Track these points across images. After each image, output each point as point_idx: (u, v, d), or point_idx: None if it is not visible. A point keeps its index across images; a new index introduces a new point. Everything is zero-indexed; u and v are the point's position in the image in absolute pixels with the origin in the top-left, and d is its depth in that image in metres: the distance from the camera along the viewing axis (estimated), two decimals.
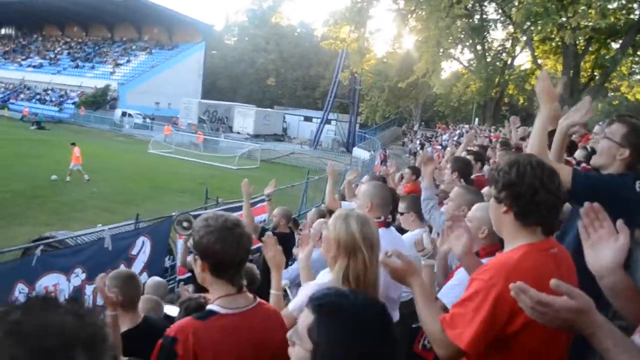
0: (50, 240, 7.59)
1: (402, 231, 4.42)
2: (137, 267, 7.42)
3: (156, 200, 19.79)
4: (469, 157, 6.60)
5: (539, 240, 1.98)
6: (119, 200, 19.06)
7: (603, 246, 1.64)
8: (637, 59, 33.17)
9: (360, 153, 39.31)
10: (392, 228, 3.65)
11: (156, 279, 5.18)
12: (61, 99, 54.71)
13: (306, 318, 1.35)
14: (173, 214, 8.38)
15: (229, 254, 2.09)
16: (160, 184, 23.22)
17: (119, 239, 7.12)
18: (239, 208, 9.99)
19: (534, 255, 1.91)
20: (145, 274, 7.51)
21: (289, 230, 6.27)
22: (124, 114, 49.34)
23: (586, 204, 1.70)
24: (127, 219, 11.29)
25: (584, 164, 3.52)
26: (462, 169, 5.24)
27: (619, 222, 1.59)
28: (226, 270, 2.12)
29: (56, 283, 6.25)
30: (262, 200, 11.05)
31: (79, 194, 19.11)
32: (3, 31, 78.02)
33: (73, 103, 53.24)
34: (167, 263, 8.63)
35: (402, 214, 4.56)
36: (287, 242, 5.20)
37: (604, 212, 1.64)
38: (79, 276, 6.51)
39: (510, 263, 1.90)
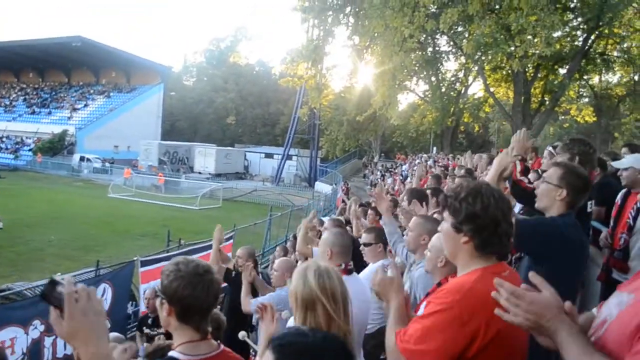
0: (7, 292, 7.38)
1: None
2: None
3: (117, 245, 19.41)
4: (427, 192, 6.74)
5: (492, 264, 2.00)
6: (79, 246, 18.65)
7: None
8: (583, 82, 34.57)
9: (322, 187, 39.51)
10: (355, 274, 3.70)
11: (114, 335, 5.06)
12: (17, 146, 53.51)
13: (267, 359, 1.32)
14: (134, 258, 8.28)
15: (198, 300, 2.06)
16: (121, 229, 22.83)
17: None
18: (203, 249, 10.00)
19: (487, 277, 1.84)
20: (107, 322, 7.35)
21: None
22: (82, 158, 48.50)
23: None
24: (86, 266, 11.05)
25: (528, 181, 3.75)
26: (419, 197, 5.32)
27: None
28: (193, 316, 2.09)
29: (14, 337, 6.06)
30: (225, 240, 11.07)
31: (36, 242, 18.60)
32: None
33: (29, 150, 52.13)
34: (130, 309, 8.47)
35: (367, 244, 4.58)
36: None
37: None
38: (37, 328, 6.33)
39: (466, 287, 1.91)
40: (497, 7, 21.47)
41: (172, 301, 2.06)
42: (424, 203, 5.22)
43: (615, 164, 4.46)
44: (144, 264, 8.30)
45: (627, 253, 4.04)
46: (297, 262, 5.84)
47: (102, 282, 7.41)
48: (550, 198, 2.98)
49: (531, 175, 4.79)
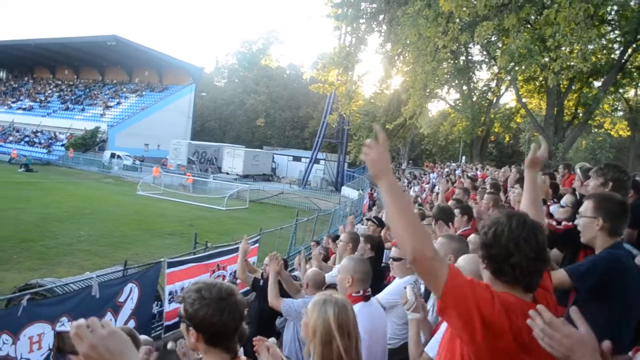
0: (39, 289, 7.52)
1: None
2: (124, 314, 7.34)
3: (145, 243, 19.68)
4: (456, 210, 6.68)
5: (521, 297, 1.96)
6: (108, 243, 18.92)
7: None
8: (618, 95, 33.86)
9: (348, 192, 39.44)
10: (372, 300, 3.71)
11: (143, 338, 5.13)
12: (50, 141, 54.67)
13: None
14: (162, 259, 8.36)
15: (226, 324, 2.07)
16: (149, 226, 23.11)
17: (106, 286, 7.04)
18: (229, 252, 10.07)
19: (515, 306, 1.87)
20: (132, 321, 7.45)
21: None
22: (112, 155, 49.35)
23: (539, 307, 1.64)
24: (114, 263, 11.20)
25: (564, 223, 3.64)
26: (444, 220, 5.28)
27: (573, 310, 1.58)
28: (222, 339, 2.11)
29: (41, 332, 6.16)
30: (253, 243, 11.13)
31: (66, 237, 18.93)
32: None
33: (62, 145, 53.20)
34: (155, 309, 8.55)
35: (395, 259, 4.56)
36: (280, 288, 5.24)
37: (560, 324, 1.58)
38: (64, 325, 6.43)
39: (492, 293, 1.91)
40: (532, 17, 21.25)
41: (199, 328, 2.07)
42: (449, 223, 5.20)
43: None
44: (171, 265, 8.38)
45: None
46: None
47: (129, 282, 7.49)
48: (590, 230, 3.01)
49: (567, 198, 4.71)
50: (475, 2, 11.06)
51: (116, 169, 47.16)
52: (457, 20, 12.46)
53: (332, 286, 4.39)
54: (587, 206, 3.04)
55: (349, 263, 3.77)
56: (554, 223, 3.67)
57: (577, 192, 4.89)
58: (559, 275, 2.92)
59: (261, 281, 5.68)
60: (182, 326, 2.14)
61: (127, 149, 51.66)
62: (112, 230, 21.32)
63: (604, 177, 3.92)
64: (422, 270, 1.89)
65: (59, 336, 1.51)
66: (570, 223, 3.45)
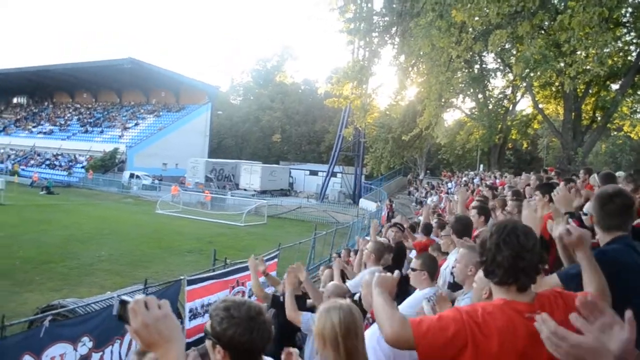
0: (60, 310, 7.56)
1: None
2: None
3: (164, 261, 19.78)
4: (473, 210, 6.63)
5: (516, 299, 2.15)
6: (128, 262, 19.06)
7: (605, 336, 1.50)
8: (637, 97, 33.42)
9: (366, 204, 39.34)
10: None
11: None
12: (70, 164, 55.40)
13: None
14: (181, 277, 8.38)
15: (254, 343, 2.07)
16: (168, 245, 23.25)
17: None
18: (248, 268, 10.04)
19: (507, 312, 2.09)
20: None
21: (300, 293, 6.19)
22: (131, 175, 49.84)
23: (578, 298, 1.58)
24: (135, 281, 11.25)
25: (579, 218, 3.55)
26: (461, 231, 5.24)
27: (628, 314, 1.49)
28: (249, 358, 2.10)
29: (63, 353, 6.18)
30: (270, 259, 11.11)
31: (87, 258, 19.10)
32: (15, 100, 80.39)
33: (82, 167, 53.88)
34: None
35: (414, 270, 4.54)
36: (300, 302, 5.20)
37: (601, 303, 1.56)
38: (85, 345, 6.45)
39: (479, 309, 2.15)
40: (546, 24, 21.13)
41: (227, 347, 2.05)
42: (465, 237, 5.16)
43: None
44: (190, 282, 8.39)
45: None
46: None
47: None
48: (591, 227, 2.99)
49: (588, 206, 4.63)
50: (487, 11, 11.02)
51: (135, 189, 47.61)
52: (470, 30, 12.41)
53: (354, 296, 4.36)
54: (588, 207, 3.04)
55: (370, 278, 3.73)
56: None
57: None
58: (551, 280, 2.82)
59: (281, 297, 5.64)
60: (208, 343, 2.12)
61: (146, 169, 52.19)
62: (132, 249, 21.49)
63: (634, 184, 3.89)
64: (398, 347, 2.24)
65: (123, 304, 1.57)
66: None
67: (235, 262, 10.95)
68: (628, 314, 1.48)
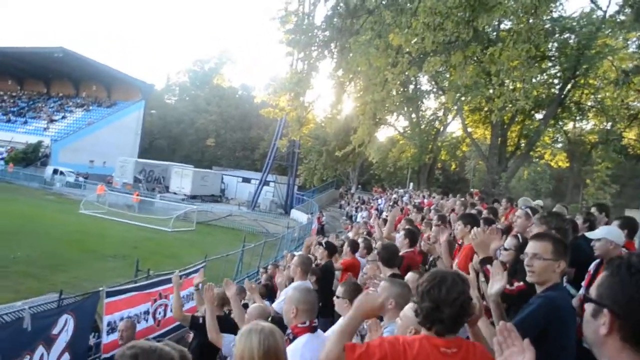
0: None
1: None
2: (57, 347, 6.97)
3: (85, 265, 19.04)
4: (401, 232, 6.79)
5: (434, 335, 2.42)
6: (46, 265, 18.20)
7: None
8: (558, 127, 35.35)
9: (298, 215, 39.40)
10: (319, 332, 3.69)
11: None
12: None
13: None
14: (100, 288, 8.08)
15: None
16: (91, 247, 22.40)
17: (39, 318, 6.70)
18: (171, 280, 9.82)
19: (424, 345, 2.37)
20: (66, 355, 7.12)
21: (223, 313, 6.11)
22: (55, 171, 47.78)
23: (501, 323, 1.90)
24: (50, 291, 10.72)
25: (516, 284, 3.67)
26: (387, 259, 5.33)
27: (526, 342, 1.75)
28: None
29: None
30: (196, 271, 10.90)
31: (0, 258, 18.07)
32: None
33: (1, 159, 51.11)
34: (92, 341, 8.21)
35: (337, 297, 4.56)
36: (224, 324, 5.14)
37: (515, 332, 1.80)
38: None
39: (400, 339, 2.44)
40: (478, 52, 21.98)
41: None
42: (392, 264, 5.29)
43: (589, 234, 4.53)
44: (110, 294, 8.10)
45: None
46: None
47: (64, 313, 7.15)
48: (549, 272, 3.04)
49: (509, 241, 4.82)
50: (424, 37, 11.35)
51: (59, 186, 45.63)
52: (407, 55, 12.73)
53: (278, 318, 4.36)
54: (547, 248, 3.04)
55: (293, 293, 3.75)
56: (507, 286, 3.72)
57: (519, 235, 5.00)
58: None
59: (201, 318, 5.55)
60: None
61: (71, 165, 50.12)
62: (51, 251, 20.55)
63: (547, 226, 4.05)
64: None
65: None
66: (521, 283, 3.50)
67: (159, 273, 10.66)
68: (526, 342, 1.74)
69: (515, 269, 4.02)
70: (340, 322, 2.62)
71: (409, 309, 3.11)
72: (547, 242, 3.10)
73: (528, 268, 3.11)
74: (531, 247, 3.16)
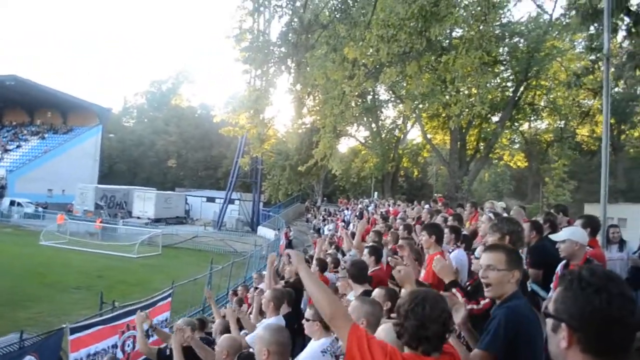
0: None
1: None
2: None
3: (49, 299, 18.45)
4: (365, 250, 6.75)
5: (420, 355, 2.37)
6: (5, 302, 17.50)
7: None
8: (514, 128, 36.19)
9: (265, 231, 39.19)
10: None
11: None
12: None
13: None
14: (63, 325, 7.80)
15: None
16: (53, 280, 21.74)
17: None
18: (139, 310, 9.57)
19: None
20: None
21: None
22: (12, 203, 46.42)
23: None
24: (10, 331, 10.29)
25: (482, 302, 3.68)
26: (356, 275, 5.29)
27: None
28: None
29: None
30: (163, 299, 10.68)
31: None
32: None
33: None
34: None
35: (307, 320, 4.46)
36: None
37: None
38: None
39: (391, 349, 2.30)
40: (433, 59, 22.40)
41: None
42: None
43: (553, 237, 4.59)
44: (74, 330, 7.81)
45: None
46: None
47: (27, 354, 6.88)
48: (504, 283, 3.02)
49: (479, 250, 4.84)
50: (378, 49, 11.46)
51: (16, 217, 44.31)
52: (363, 67, 12.84)
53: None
54: (500, 259, 3.02)
55: (264, 334, 3.66)
56: (471, 307, 3.69)
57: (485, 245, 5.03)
58: (476, 356, 2.88)
59: (167, 350, 5.40)
60: None
61: (29, 195, 48.76)
62: (11, 286, 19.81)
63: (500, 232, 4.07)
64: (335, 326, 2.39)
65: None
66: (487, 300, 3.49)
67: (125, 303, 10.38)
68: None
69: (478, 286, 4.04)
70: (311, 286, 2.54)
71: (382, 330, 3.06)
72: (500, 252, 3.09)
73: (483, 280, 3.10)
74: (484, 258, 3.15)
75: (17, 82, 53.65)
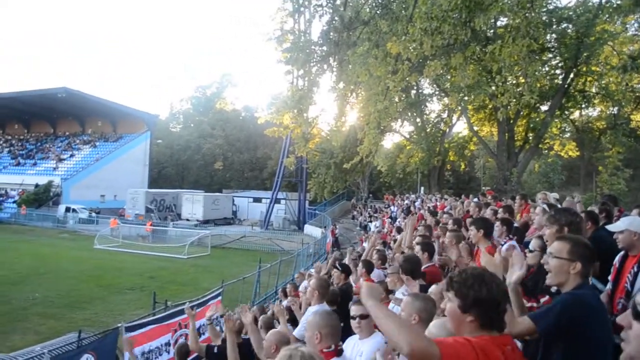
0: None
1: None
2: None
3: (104, 300, 19.00)
4: (417, 247, 6.64)
5: (497, 335, 2.21)
6: (64, 304, 18.16)
7: None
8: (564, 117, 35.08)
9: (311, 230, 39.29)
10: (345, 355, 3.58)
11: None
12: (1, 199, 52.79)
13: None
14: (119, 325, 7.99)
15: None
16: (108, 282, 22.37)
17: None
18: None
19: (491, 346, 2.11)
20: None
21: (241, 340, 5.98)
22: (67, 209, 47.96)
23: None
24: (69, 330, 10.65)
25: (542, 299, 3.57)
26: (410, 270, 5.20)
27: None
28: None
29: None
30: (213, 297, 10.82)
31: (20, 301, 18.09)
32: None
33: (14, 202, 51.45)
34: None
35: (353, 318, 4.41)
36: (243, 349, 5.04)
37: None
38: None
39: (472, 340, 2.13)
40: (478, 49, 21.96)
41: None
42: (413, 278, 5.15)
43: (611, 227, 4.39)
44: (129, 329, 7.99)
45: None
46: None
47: (85, 353, 7.08)
48: (564, 273, 2.98)
49: (534, 242, 4.71)
50: (422, 43, 11.29)
51: (72, 223, 45.78)
52: (406, 61, 12.68)
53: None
54: (562, 248, 3.00)
55: (314, 318, 3.66)
56: (531, 304, 3.58)
57: (544, 235, 4.87)
58: (524, 322, 2.84)
59: (216, 348, 5.44)
60: None
61: (83, 202, 50.39)
62: (69, 289, 20.56)
63: (557, 224, 3.94)
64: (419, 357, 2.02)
65: None
66: (547, 298, 3.41)
67: (177, 303, 10.58)
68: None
69: (537, 282, 3.94)
70: (379, 311, 2.27)
71: (433, 327, 3.00)
72: (565, 242, 3.05)
73: (545, 266, 3.11)
74: (551, 246, 3.15)
75: (68, 93, 55.35)
